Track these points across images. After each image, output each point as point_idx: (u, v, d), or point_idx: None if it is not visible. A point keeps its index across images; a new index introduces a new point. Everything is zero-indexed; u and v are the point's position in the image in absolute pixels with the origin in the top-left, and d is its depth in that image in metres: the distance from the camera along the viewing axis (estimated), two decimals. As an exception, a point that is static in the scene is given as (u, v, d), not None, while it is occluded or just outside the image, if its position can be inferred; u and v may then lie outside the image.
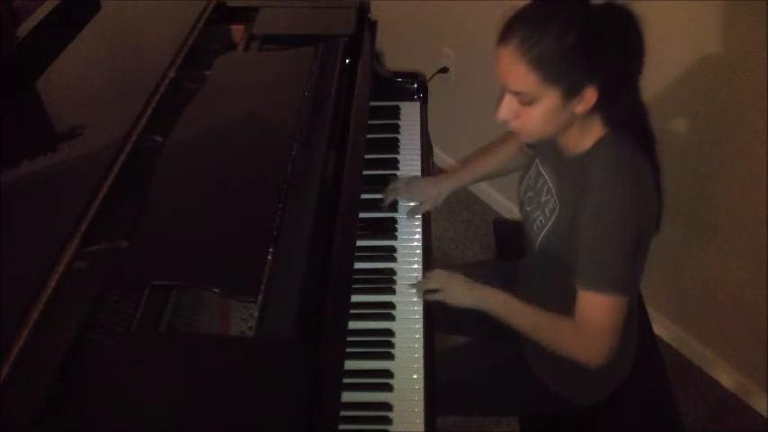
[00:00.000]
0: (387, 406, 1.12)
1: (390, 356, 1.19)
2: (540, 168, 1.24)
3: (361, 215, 1.37)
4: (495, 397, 1.38)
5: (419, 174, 1.55)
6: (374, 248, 1.37)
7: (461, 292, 1.26)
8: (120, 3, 1.56)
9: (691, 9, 1.58)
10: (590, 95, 1.02)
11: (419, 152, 1.59)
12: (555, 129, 1.09)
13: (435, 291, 1.26)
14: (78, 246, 0.97)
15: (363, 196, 1.38)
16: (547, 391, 1.30)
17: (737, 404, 1.93)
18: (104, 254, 1.03)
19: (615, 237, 1.07)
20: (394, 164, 1.56)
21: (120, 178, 1.08)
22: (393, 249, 1.38)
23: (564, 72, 0.99)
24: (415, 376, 1.16)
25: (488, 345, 1.40)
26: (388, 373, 1.16)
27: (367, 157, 1.45)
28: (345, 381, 1.04)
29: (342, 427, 0.99)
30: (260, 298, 1.02)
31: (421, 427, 1.10)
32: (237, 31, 1.62)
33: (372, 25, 1.67)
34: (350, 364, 1.11)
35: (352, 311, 1.16)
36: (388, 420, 1.10)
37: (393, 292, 1.29)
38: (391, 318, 1.25)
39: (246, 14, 1.62)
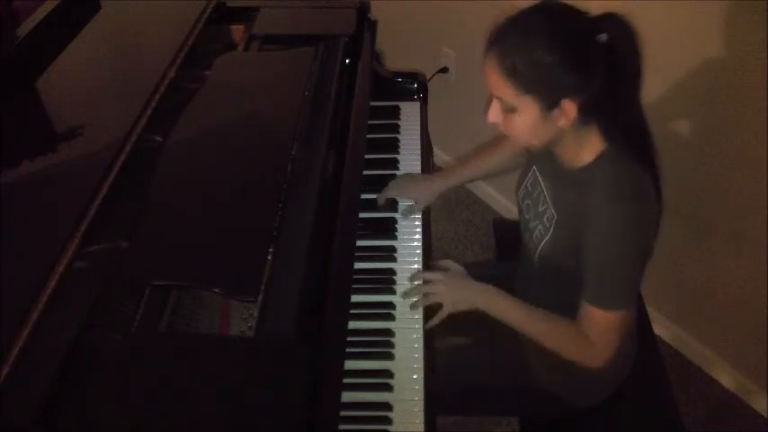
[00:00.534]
0: (387, 406, 1.12)
1: (390, 356, 1.19)
2: (538, 176, 1.24)
3: (361, 215, 1.37)
4: (495, 397, 1.38)
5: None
6: (374, 248, 1.37)
7: (457, 298, 1.25)
8: (120, 3, 1.56)
9: (691, 9, 1.58)
10: (569, 109, 1.01)
11: (419, 152, 1.59)
12: (543, 139, 1.08)
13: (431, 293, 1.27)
14: (78, 246, 0.97)
15: (363, 196, 1.38)
16: (546, 392, 1.30)
17: (737, 404, 1.93)
18: (104, 254, 1.03)
19: (622, 260, 1.08)
20: (394, 164, 1.56)
21: (120, 178, 1.08)
22: (393, 249, 1.37)
23: (537, 84, 1.00)
24: (414, 376, 1.16)
25: (488, 345, 1.40)
26: (388, 373, 1.16)
27: (367, 157, 1.45)
28: (345, 381, 1.04)
29: (342, 427, 0.99)
30: (260, 298, 1.02)
31: (421, 427, 1.10)
32: (237, 31, 1.62)
33: (372, 25, 1.67)
34: (350, 364, 1.11)
35: (352, 311, 1.16)
36: (388, 420, 1.10)
37: (393, 292, 1.29)
38: (391, 318, 1.25)
39: (246, 14, 1.62)
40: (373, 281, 1.31)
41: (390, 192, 1.46)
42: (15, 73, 1.31)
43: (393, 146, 1.60)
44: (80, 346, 0.90)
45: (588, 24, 0.99)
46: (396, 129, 1.65)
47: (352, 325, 1.17)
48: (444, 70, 2.41)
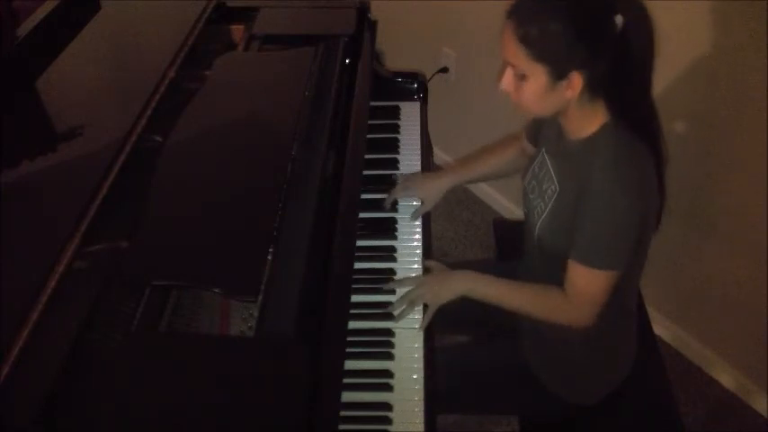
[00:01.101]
0: (387, 406, 1.12)
1: (390, 356, 1.19)
2: (545, 157, 1.25)
3: (361, 215, 1.37)
4: (495, 396, 1.38)
5: (419, 174, 1.54)
6: (374, 248, 1.37)
7: (438, 290, 1.26)
8: (120, 3, 1.56)
9: (691, 9, 1.58)
10: (576, 81, 1.04)
11: (419, 152, 1.59)
12: (550, 109, 1.11)
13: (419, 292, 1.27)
14: (78, 246, 0.97)
15: (363, 196, 1.38)
16: (546, 391, 1.30)
17: (737, 404, 1.93)
18: (104, 254, 1.03)
19: (612, 222, 1.09)
20: (394, 164, 1.56)
21: (120, 178, 1.08)
22: (393, 249, 1.38)
23: (548, 54, 1.03)
24: (414, 376, 1.16)
25: (488, 344, 1.40)
26: (388, 373, 1.16)
27: (367, 157, 1.45)
28: (345, 381, 1.04)
29: (342, 427, 0.99)
30: (260, 298, 1.02)
31: (421, 426, 1.10)
32: (237, 31, 1.62)
33: (372, 25, 1.67)
34: (350, 364, 1.11)
35: (352, 311, 1.16)
36: (388, 420, 1.10)
37: (393, 291, 1.29)
38: (391, 318, 1.25)
39: (246, 14, 1.62)
40: (373, 281, 1.31)
41: (397, 194, 1.47)
42: (15, 73, 1.31)
43: (393, 146, 1.61)
44: (80, 346, 0.90)
45: (606, 4, 1.01)
46: (396, 129, 1.65)
47: (352, 325, 1.17)
48: (444, 70, 2.41)
